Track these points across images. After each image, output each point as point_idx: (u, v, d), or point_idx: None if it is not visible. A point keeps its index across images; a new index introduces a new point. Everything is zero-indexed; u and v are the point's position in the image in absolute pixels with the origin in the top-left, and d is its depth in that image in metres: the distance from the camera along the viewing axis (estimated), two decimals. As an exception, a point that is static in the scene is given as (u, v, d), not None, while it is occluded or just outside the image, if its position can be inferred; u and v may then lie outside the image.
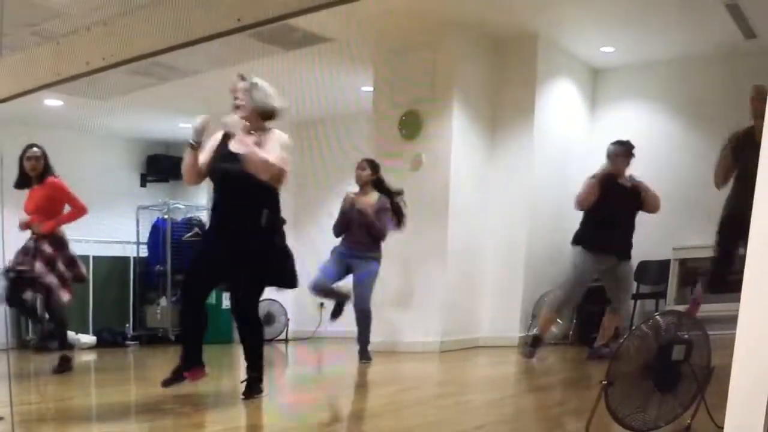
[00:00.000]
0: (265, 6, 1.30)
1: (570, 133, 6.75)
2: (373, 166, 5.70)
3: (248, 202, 3.59)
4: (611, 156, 5.34)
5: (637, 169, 6.87)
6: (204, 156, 3.75)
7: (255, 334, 3.80)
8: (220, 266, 3.66)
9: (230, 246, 3.59)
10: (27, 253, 5.23)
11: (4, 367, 6.03)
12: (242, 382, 3.74)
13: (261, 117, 3.70)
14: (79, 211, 5.29)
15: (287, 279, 3.82)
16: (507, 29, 6.49)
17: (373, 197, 5.62)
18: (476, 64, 6.65)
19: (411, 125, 6.47)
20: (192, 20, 1.40)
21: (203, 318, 3.80)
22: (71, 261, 5.28)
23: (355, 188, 5.71)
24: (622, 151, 5.34)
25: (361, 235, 5.56)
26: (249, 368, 3.70)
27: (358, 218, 5.54)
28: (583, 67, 7.37)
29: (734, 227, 4.35)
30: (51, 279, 5.12)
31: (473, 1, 5.84)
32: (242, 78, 3.75)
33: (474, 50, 6.61)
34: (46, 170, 5.26)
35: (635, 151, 5.43)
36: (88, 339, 8.30)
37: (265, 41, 6.20)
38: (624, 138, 7.09)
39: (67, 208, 5.29)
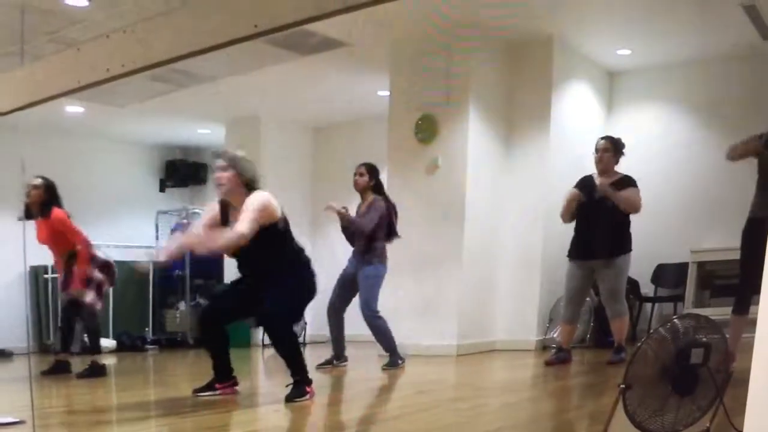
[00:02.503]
0: (282, 12, 1.32)
1: (586, 136, 6.71)
2: (372, 171, 5.53)
3: (258, 254, 3.82)
4: (595, 152, 5.31)
5: (655, 172, 6.85)
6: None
7: (287, 349, 3.91)
8: (245, 304, 3.96)
9: (252, 287, 3.90)
10: (66, 280, 5.35)
11: (26, 371, 6.10)
12: (287, 386, 3.81)
13: (245, 186, 3.87)
14: (84, 246, 5.25)
15: (308, 292, 4.03)
16: (522, 32, 6.48)
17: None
18: (492, 67, 6.65)
19: (427, 129, 6.48)
20: (209, 27, 1.42)
21: (222, 337, 4.05)
22: (105, 265, 5.36)
23: (334, 201, 5.57)
24: (603, 146, 5.27)
25: (358, 242, 5.49)
26: (292, 375, 3.86)
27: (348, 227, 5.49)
28: (600, 70, 7.34)
29: (760, 230, 4.25)
30: (89, 296, 5.22)
31: (489, 4, 5.84)
32: (217, 156, 3.94)
33: (490, 53, 6.61)
34: (51, 201, 5.23)
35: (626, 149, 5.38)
36: (108, 343, 8.38)
37: (281, 46, 6.24)
38: (643, 140, 7.07)
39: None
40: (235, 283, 4.14)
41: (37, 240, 5.26)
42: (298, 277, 3.92)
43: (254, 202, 3.78)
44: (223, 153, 3.96)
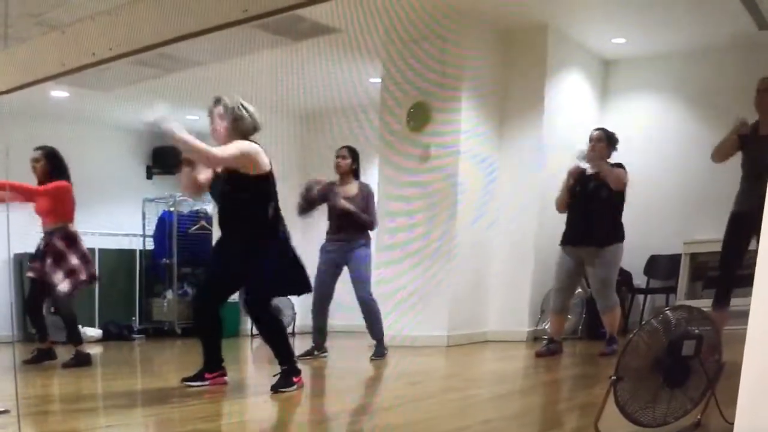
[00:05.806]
0: (272, -5, 1.28)
1: (580, 126, 6.67)
2: (354, 154, 5.51)
3: (241, 216, 3.75)
4: (588, 141, 5.26)
5: (649, 163, 6.84)
6: (205, 174, 3.99)
7: (269, 332, 3.86)
8: (230, 275, 3.82)
9: (234, 254, 3.76)
10: (37, 255, 5.21)
11: (10, 360, 6.04)
12: (274, 376, 3.76)
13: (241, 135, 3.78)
14: (32, 195, 5.03)
15: (299, 286, 3.99)
16: (517, 20, 6.44)
17: (354, 187, 5.44)
18: (485, 55, 6.59)
19: (419, 117, 6.42)
20: (198, 11, 1.38)
21: (217, 322, 3.98)
22: (84, 257, 5.20)
23: (322, 176, 5.54)
24: (597, 136, 5.23)
25: (348, 227, 5.37)
26: (279, 363, 3.80)
27: (340, 211, 5.37)
28: (594, 59, 7.31)
29: (742, 225, 4.23)
30: (57, 275, 5.06)
31: (482, -9, 5.80)
32: (217, 102, 3.86)
33: (483, 41, 6.56)
34: (55, 170, 5.10)
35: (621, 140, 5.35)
36: (94, 332, 8.31)
37: (272, 32, 6.17)
38: (637, 129, 7.02)
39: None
40: (216, 255, 4.00)
41: (35, 210, 5.10)
42: (272, 249, 3.76)
43: (239, 143, 3.68)
44: (220, 98, 3.82)
